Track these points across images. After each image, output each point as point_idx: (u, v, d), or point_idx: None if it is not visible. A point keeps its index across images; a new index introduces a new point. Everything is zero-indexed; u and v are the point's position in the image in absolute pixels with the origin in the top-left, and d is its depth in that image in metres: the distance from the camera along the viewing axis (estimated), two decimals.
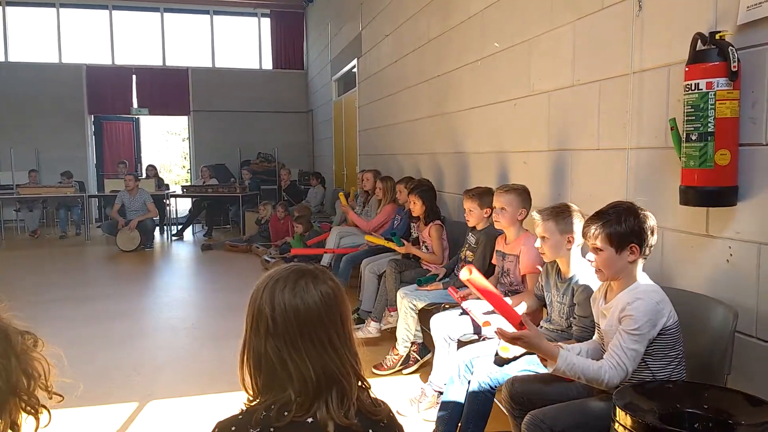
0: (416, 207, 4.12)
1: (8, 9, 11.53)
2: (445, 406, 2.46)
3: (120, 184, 9.16)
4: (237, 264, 7.36)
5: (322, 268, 1.19)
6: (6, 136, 11.08)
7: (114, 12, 11.94)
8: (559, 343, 1.98)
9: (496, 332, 1.94)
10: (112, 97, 11.91)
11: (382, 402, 1.19)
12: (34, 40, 11.90)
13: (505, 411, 2.19)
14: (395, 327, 3.60)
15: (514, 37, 3.53)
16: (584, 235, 1.93)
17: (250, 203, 9.77)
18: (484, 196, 3.36)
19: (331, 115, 9.88)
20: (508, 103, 3.62)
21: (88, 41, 12.10)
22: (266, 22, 12.73)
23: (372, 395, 1.18)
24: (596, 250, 1.87)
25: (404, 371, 3.48)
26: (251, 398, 1.15)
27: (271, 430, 1.05)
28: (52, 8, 11.63)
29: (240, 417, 1.09)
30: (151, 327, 4.78)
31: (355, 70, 7.88)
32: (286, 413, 1.06)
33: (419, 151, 5.44)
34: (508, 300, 2.49)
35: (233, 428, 1.07)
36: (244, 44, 12.99)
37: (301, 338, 1.09)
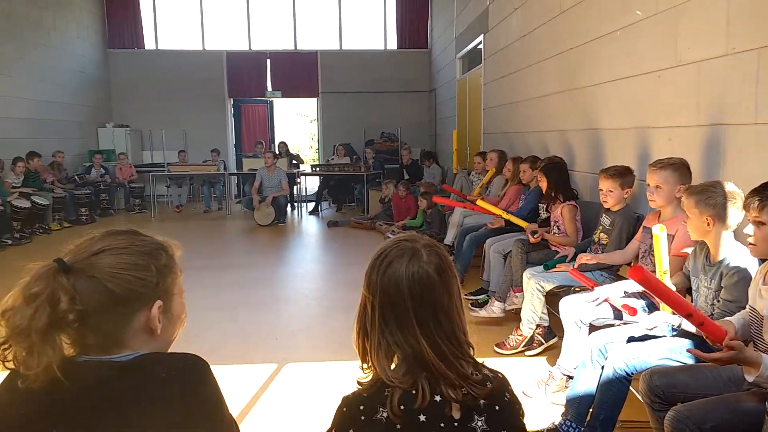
0: (542, 185, 4.00)
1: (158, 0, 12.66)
2: (576, 390, 2.40)
3: (256, 163, 9.81)
4: (361, 240, 7.61)
5: (431, 240, 1.17)
6: (158, 119, 12.26)
7: None
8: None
9: (700, 357, 1.73)
10: (249, 81, 12.71)
11: (498, 373, 1.16)
12: (180, 28, 12.98)
13: (643, 403, 2.09)
14: (520, 308, 3.55)
15: (659, 4, 3.27)
16: (746, 206, 1.79)
17: (374, 182, 10.03)
18: (625, 175, 3.18)
19: (455, 93, 9.80)
20: (652, 75, 3.38)
21: (227, 28, 12.96)
22: (392, 2, 12.83)
23: (486, 368, 1.14)
24: (758, 223, 1.74)
25: (527, 353, 3.43)
26: (364, 369, 1.15)
27: (400, 408, 1.04)
28: None
29: (365, 395, 1.09)
30: (284, 295, 5.11)
31: (480, 46, 7.74)
32: (412, 392, 1.05)
33: (548, 128, 5.25)
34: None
35: (361, 407, 1.08)
36: (369, 25, 13.22)
37: (414, 311, 1.07)
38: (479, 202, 4.75)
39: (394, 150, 11.79)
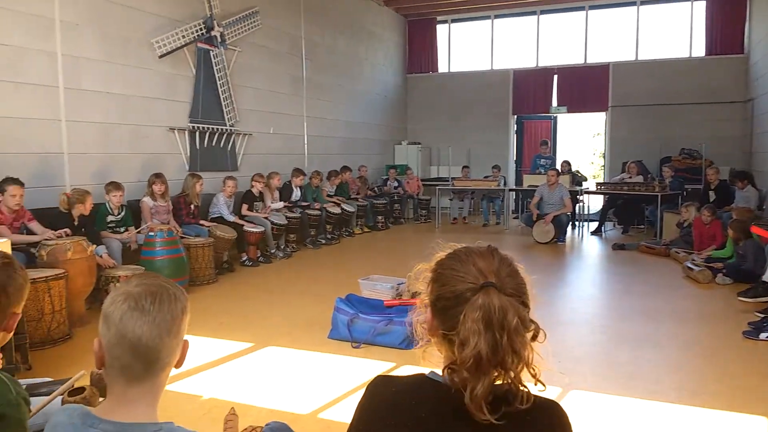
0: None
1: (453, 26, 13.52)
2: None
3: (536, 180, 9.73)
4: (652, 268, 6.90)
5: None
6: (447, 136, 13.11)
7: (541, 16, 12.66)
8: None
9: None
10: (534, 97, 12.70)
11: None
12: (471, 51, 13.66)
13: None
14: None
15: None
16: None
17: (670, 203, 9.02)
18: None
19: None
20: None
21: (516, 47, 13.21)
22: (700, 6, 11.45)
23: None
24: None
25: None
26: None
27: None
28: (487, 20, 13.11)
29: None
30: (566, 318, 4.90)
31: None
32: None
33: None
34: None
35: None
36: (671, 32, 12.03)
37: None
38: None
39: (696, 168, 10.44)
